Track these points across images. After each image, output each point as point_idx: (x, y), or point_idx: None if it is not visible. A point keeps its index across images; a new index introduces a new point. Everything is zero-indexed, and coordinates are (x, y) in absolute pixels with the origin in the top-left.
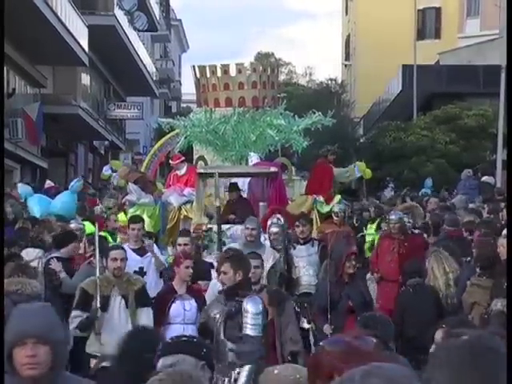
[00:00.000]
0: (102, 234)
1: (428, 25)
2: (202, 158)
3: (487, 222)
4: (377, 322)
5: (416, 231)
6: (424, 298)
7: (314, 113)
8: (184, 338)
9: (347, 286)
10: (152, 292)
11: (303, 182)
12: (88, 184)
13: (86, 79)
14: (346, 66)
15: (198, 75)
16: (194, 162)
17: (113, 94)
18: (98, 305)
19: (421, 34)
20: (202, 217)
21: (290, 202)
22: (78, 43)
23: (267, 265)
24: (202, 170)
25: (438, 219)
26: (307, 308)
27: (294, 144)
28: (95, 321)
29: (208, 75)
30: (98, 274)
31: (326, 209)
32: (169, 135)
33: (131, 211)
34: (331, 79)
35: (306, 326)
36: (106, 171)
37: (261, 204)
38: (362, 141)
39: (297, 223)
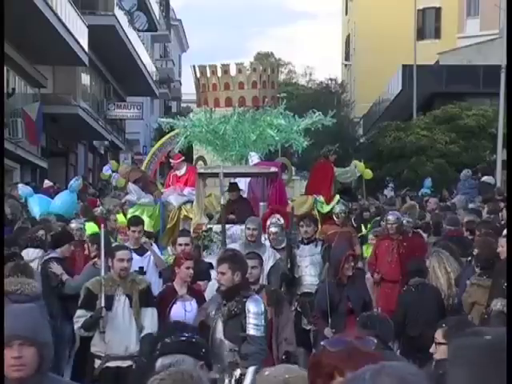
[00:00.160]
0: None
1: (428, 25)
2: (201, 158)
3: (487, 222)
4: (376, 322)
5: (417, 231)
6: (426, 297)
7: (315, 112)
8: (183, 338)
9: (346, 287)
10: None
11: (303, 182)
12: (88, 184)
13: (85, 79)
14: (346, 65)
15: (198, 75)
16: (194, 162)
17: (113, 94)
18: (103, 303)
19: (421, 34)
20: (202, 217)
21: (289, 202)
22: (78, 43)
23: (267, 265)
24: (202, 170)
25: (439, 219)
26: (309, 308)
27: (295, 144)
28: (100, 319)
29: (208, 75)
30: (103, 273)
31: (326, 209)
32: (169, 135)
33: (131, 211)
34: (331, 79)
35: (307, 326)
36: (107, 171)
37: (261, 204)
38: (361, 141)
39: (301, 223)
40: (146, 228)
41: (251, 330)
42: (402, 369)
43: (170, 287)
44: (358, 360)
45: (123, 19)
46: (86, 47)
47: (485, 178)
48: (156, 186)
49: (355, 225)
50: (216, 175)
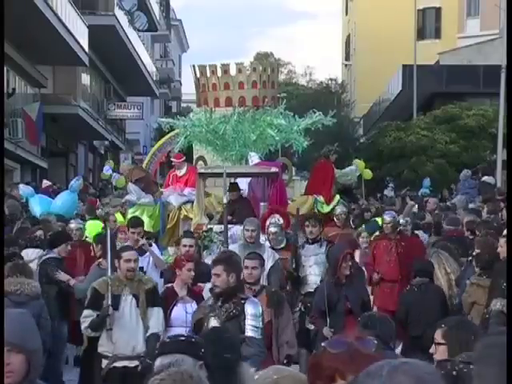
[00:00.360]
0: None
1: (428, 25)
2: (201, 158)
3: (487, 222)
4: (377, 322)
5: (417, 231)
6: (428, 297)
7: (315, 112)
8: (182, 338)
9: (345, 287)
10: None
11: (303, 182)
12: (88, 184)
13: (86, 79)
14: (346, 65)
15: (197, 75)
16: (194, 162)
17: (113, 94)
18: (109, 302)
19: (421, 34)
20: (203, 217)
21: (290, 202)
22: (78, 43)
23: (267, 265)
24: (202, 170)
25: (439, 219)
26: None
27: (295, 144)
28: (106, 318)
29: (208, 75)
30: (109, 273)
31: (326, 209)
32: (169, 135)
33: (131, 211)
34: (331, 79)
35: (311, 326)
36: (107, 171)
37: (261, 204)
38: (362, 141)
39: (306, 223)
40: (145, 228)
41: (250, 332)
42: (419, 367)
43: (170, 289)
44: (359, 362)
45: (123, 19)
46: (86, 47)
47: (485, 178)
48: (157, 187)
49: (353, 226)
50: (216, 175)
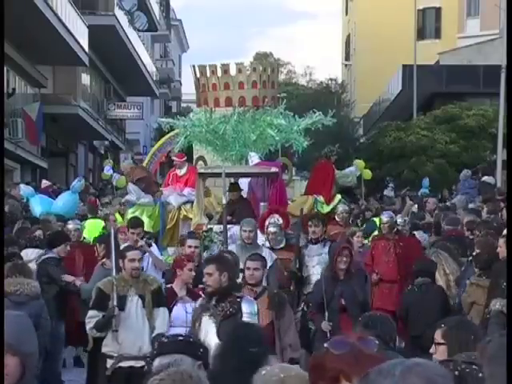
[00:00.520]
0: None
1: (428, 25)
2: (201, 158)
3: (487, 222)
4: (377, 322)
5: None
6: (428, 297)
7: (315, 112)
8: (180, 338)
9: (341, 283)
10: None
11: (303, 182)
12: (88, 184)
13: (86, 79)
14: (346, 65)
15: (197, 75)
16: (194, 162)
17: (113, 94)
18: (115, 303)
19: (421, 34)
20: (202, 217)
21: (290, 203)
22: (78, 43)
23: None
24: (202, 170)
25: (439, 219)
26: None
27: (295, 144)
28: (112, 319)
29: (208, 75)
30: (114, 273)
31: (326, 209)
32: (169, 135)
33: (131, 211)
34: (331, 79)
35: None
36: (108, 171)
37: (261, 204)
38: (362, 141)
39: (309, 223)
40: (145, 228)
41: None
42: (431, 369)
43: (169, 289)
44: (364, 363)
45: (123, 19)
46: (86, 47)
47: (485, 178)
48: (158, 187)
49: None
50: (216, 175)
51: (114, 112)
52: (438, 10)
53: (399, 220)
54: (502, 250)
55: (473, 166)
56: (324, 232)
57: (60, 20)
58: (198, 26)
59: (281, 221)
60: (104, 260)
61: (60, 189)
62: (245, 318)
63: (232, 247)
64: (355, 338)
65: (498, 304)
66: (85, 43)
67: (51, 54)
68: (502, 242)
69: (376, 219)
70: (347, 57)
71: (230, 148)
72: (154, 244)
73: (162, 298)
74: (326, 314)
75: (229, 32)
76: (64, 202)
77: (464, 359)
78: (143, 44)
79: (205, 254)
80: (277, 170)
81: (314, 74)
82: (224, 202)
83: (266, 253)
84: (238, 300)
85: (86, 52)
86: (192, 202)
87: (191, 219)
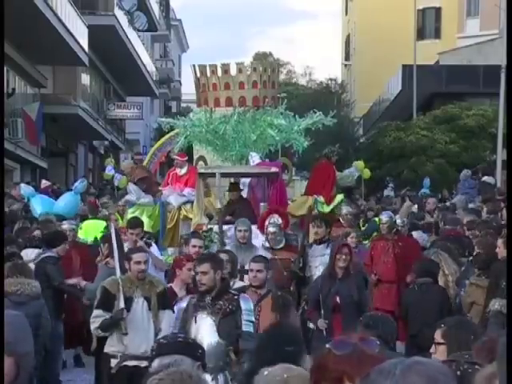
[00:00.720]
0: None
1: (428, 25)
2: (202, 158)
3: (487, 222)
4: (379, 322)
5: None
6: (428, 297)
7: (315, 112)
8: (180, 339)
9: (339, 281)
10: None
11: (303, 182)
12: (89, 184)
13: (85, 79)
14: (345, 65)
15: (198, 75)
16: (195, 162)
17: (113, 94)
18: (123, 305)
19: (421, 34)
20: (202, 217)
21: (290, 203)
22: (78, 43)
23: None
24: (202, 170)
25: (442, 219)
26: None
27: (295, 144)
28: (121, 321)
29: (208, 75)
30: (118, 273)
31: (326, 209)
32: (168, 135)
33: (130, 211)
34: (331, 79)
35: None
36: (109, 171)
37: (262, 204)
38: (361, 141)
39: (312, 224)
40: (145, 228)
41: (246, 327)
42: (432, 367)
43: (169, 289)
44: (366, 364)
45: (123, 19)
46: (86, 47)
47: (485, 178)
48: (159, 189)
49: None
50: (216, 175)
51: (114, 112)
52: (437, 10)
53: (398, 221)
54: (500, 251)
55: (473, 165)
56: (328, 233)
57: (60, 20)
58: (197, 26)
59: (280, 221)
60: (108, 259)
61: (60, 189)
62: (244, 316)
63: (227, 247)
64: (357, 339)
65: (497, 304)
66: (85, 43)
67: (51, 54)
68: (500, 242)
69: (377, 219)
70: (347, 57)
71: (230, 148)
72: (153, 244)
73: (167, 300)
74: (322, 312)
75: (229, 32)
76: (66, 202)
77: (466, 359)
78: (143, 44)
79: None
80: (277, 170)
81: (314, 74)
82: (218, 204)
83: (261, 253)
84: (236, 297)
85: (85, 52)
86: (192, 202)
87: (191, 219)
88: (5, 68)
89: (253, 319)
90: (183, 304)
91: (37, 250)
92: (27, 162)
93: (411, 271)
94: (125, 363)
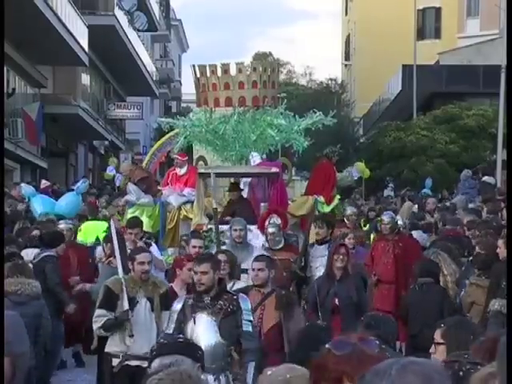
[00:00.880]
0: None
1: (428, 25)
2: (202, 157)
3: (487, 222)
4: (380, 322)
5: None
6: (429, 297)
7: (315, 112)
8: (180, 339)
9: (337, 282)
10: None
11: (303, 183)
12: (89, 184)
13: (85, 79)
14: (346, 65)
15: (197, 75)
16: (195, 162)
17: (113, 94)
18: (127, 306)
19: (421, 34)
20: (203, 217)
21: (290, 203)
22: (78, 43)
23: None
24: (202, 170)
25: (442, 219)
26: None
27: (295, 144)
28: (127, 323)
29: (208, 75)
30: (121, 273)
31: (326, 209)
32: (168, 135)
33: (130, 211)
34: (331, 79)
35: None
36: (111, 171)
37: (262, 204)
38: (361, 141)
39: (314, 224)
40: (145, 228)
41: (247, 327)
42: (427, 366)
43: (170, 289)
44: (366, 365)
45: (123, 19)
46: (86, 47)
47: (485, 178)
48: (159, 189)
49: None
50: (216, 175)
51: (114, 112)
52: (437, 10)
53: (400, 221)
54: (501, 251)
55: (473, 165)
56: (330, 234)
57: (60, 20)
58: (197, 26)
59: (279, 221)
60: (111, 259)
61: (60, 189)
62: (244, 315)
63: (223, 247)
64: (356, 339)
65: (497, 304)
66: (85, 43)
67: (51, 54)
68: (501, 242)
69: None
70: (347, 57)
71: (230, 148)
72: (153, 244)
73: (169, 301)
74: (320, 313)
75: (229, 32)
76: (67, 202)
77: (469, 359)
78: (143, 44)
79: None
80: (277, 170)
81: (314, 73)
82: (214, 204)
83: (257, 251)
84: (235, 297)
85: (85, 52)
86: (192, 202)
87: (191, 219)
88: (5, 68)
89: (252, 319)
90: (178, 306)
91: (37, 250)
92: (27, 162)
93: (411, 272)
94: (127, 363)
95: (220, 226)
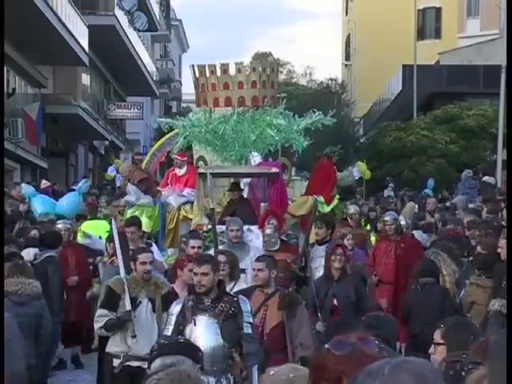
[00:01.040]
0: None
1: (428, 25)
2: (202, 158)
3: (487, 222)
4: (381, 322)
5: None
6: (430, 297)
7: (315, 112)
8: (181, 340)
9: (336, 283)
10: None
11: (303, 183)
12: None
13: (86, 79)
14: (346, 65)
15: (197, 75)
16: (195, 162)
17: (113, 94)
18: (129, 306)
19: (421, 34)
20: (203, 217)
21: (290, 203)
22: (79, 43)
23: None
24: (202, 170)
25: (441, 219)
26: None
27: (295, 144)
28: (129, 324)
29: (207, 75)
30: (122, 273)
31: (326, 209)
32: (168, 135)
33: (130, 212)
34: (331, 79)
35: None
36: (111, 172)
37: (262, 205)
38: (362, 141)
39: (314, 225)
40: (145, 229)
41: (247, 329)
42: (420, 365)
43: (171, 290)
44: (366, 365)
45: (123, 19)
46: (86, 47)
47: (485, 178)
48: (159, 190)
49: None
50: (216, 175)
51: (114, 112)
52: (438, 10)
53: (402, 222)
54: (503, 251)
55: (473, 166)
56: (330, 234)
57: (60, 20)
58: (198, 26)
59: (276, 222)
60: (113, 258)
61: (60, 189)
62: (244, 318)
63: (221, 248)
64: (356, 339)
65: (497, 304)
66: (85, 43)
67: (51, 53)
68: (503, 242)
69: None
70: (347, 57)
71: (229, 148)
72: (154, 244)
73: (171, 303)
74: (319, 314)
75: (229, 32)
76: (68, 202)
77: (470, 359)
78: (143, 44)
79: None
80: (277, 170)
81: (314, 73)
82: (211, 205)
83: (254, 250)
84: (236, 299)
85: (86, 52)
86: (192, 203)
87: (191, 220)
88: (5, 68)
89: (252, 321)
90: (176, 308)
91: (36, 250)
92: (27, 162)
93: (412, 273)
94: (128, 363)
95: (220, 226)
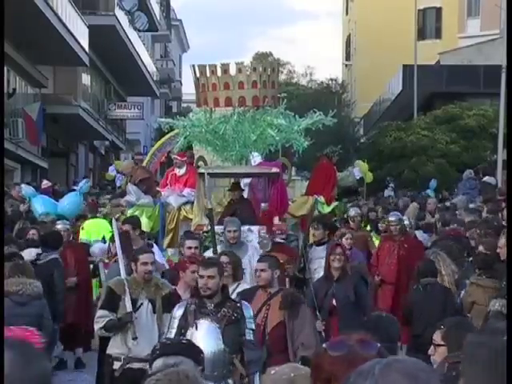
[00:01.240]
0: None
1: (428, 25)
2: (202, 158)
3: (487, 222)
4: (383, 322)
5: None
6: (432, 297)
7: (315, 112)
8: (184, 341)
9: (336, 283)
10: None
11: (304, 183)
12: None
13: (86, 79)
14: (346, 65)
15: (197, 74)
16: (195, 162)
17: (113, 94)
18: (130, 307)
19: (421, 34)
20: (203, 218)
21: (290, 203)
22: (79, 43)
23: (254, 262)
24: (202, 170)
25: (441, 219)
26: None
27: (295, 144)
28: (130, 325)
29: (208, 74)
30: (123, 274)
31: (326, 209)
32: (169, 135)
33: (130, 212)
34: (332, 79)
35: None
36: (112, 171)
37: (262, 205)
38: (362, 141)
39: (311, 226)
40: (145, 229)
41: (249, 335)
42: (411, 365)
43: (173, 292)
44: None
45: (124, 19)
46: (86, 47)
47: (486, 178)
48: (159, 190)
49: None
50: (216, 175)
51: (115, 112)
52: (438, 10)
53: (406, 222)
54: (503, 251)
55: (473, 166)
56: (327, 235)
57: (60, 20)
58: (198, 26)
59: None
60: (116, 258)
61: (60, 189)
62: (247, 324)
63: (218, 248)
64: (355, 340)
65: (497, 304)
66: (85, 43)
67: (51, 53)
68: (502, 243)
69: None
70: (348, 57)
71: (230, 148)
72: (154, 244)
73: (172, 304)
74: (318, 314)
75: (229, 32)
76: (69, 202)
77: None
78: (143, 44)
79: (206, 255)
80: (277, 170)
81: (315, 73)
82: (209, 205)
83: (252, 249)
84: (238, 305)
85: (86, 52)
86: (192, 203)
87: (191, 220)
88: (5, 68)
89: (254, 327)
90: (179, 311)
91: (36, 250)
92: (28, 162)
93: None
94: (129, 365)
95: (220, 227)
